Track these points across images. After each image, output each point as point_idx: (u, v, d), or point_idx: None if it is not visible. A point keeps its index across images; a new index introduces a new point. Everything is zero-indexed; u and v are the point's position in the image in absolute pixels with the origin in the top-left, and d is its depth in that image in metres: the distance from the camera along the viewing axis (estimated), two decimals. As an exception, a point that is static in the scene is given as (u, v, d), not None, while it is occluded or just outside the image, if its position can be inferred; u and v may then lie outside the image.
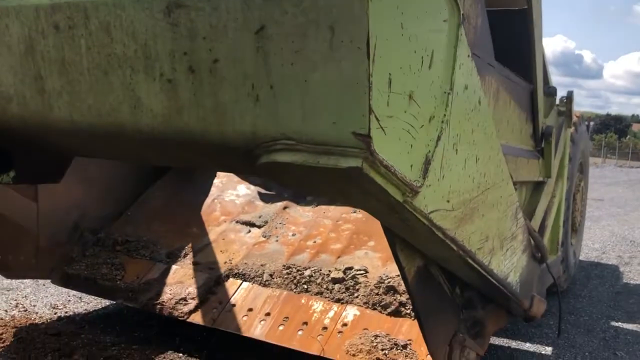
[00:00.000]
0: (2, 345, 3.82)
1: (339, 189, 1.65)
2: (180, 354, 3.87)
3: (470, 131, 2.09)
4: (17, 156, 2.38)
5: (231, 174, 5.13)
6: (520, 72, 3.75)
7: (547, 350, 4.42)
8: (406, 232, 2.08)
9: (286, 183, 1.77)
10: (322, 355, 3.39)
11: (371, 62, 1.34)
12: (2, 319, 4.32)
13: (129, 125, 1.76)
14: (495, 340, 4.46)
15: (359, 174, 1.46)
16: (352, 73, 1.36)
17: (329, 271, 3.92)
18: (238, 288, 3.97)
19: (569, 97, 4.92)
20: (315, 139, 1.46)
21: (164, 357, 3.80)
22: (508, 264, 2.84)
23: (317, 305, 3.72)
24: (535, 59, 3.81)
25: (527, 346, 4.46)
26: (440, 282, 2.73)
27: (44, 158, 2.47)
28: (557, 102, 4.88)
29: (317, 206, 4.68)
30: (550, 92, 4.39)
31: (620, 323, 5.19)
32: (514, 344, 4.49)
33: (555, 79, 4.95)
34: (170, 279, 4.15)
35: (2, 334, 3.96)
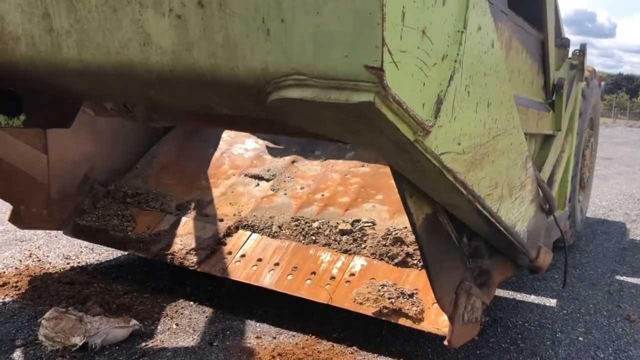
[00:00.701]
0: (17, 292, 3.91)
1: (350, 127, 1.64)
2: (191, 302, 3.95)
3: (482, 74, 2.06)
4: (27, 100, 2.38)
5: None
6: (533, 22, 3.67)
7: (552, 302, 4.48)
8: (416, 175, 2.08)
9: (296, 123, 1.76)
10: (329, 303, 3.46)
11: (385, -9, 1.32)
12: (17, 268, 4.41)
13: (138, 63, 1.75)
14: (501, 293, 4.52)
15: (370, 109, 1.45)
16: (365, 3, 1.34)
17: (337, 223, 3.96)
18: (247, 239, 4.02)
19: (582, 50, 4.82)
20: (326, 73, 1.45)
21: (175, 305, 3.88)
22: (516, 213, 2.85)
23: (325, 255, 3.77)
24: (547, 6, 3.72)
25: (532, 298, 4.52)
26: (448, 230, 2.74)
27: (54, 102, 2.47)
28: (570, 55, 4.79)
29: (325, 160, 4.69)
30: (563, 43, 4.30)
31: (625, 277, 5.23)
32: (519, 296, 4.55)
33: (567, 37, 4.81)
34: (180, 230, 4.21)
35: (17, 282, 4.05)
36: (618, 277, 5.21)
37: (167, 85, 1.81)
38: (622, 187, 10.37)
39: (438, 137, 1.78)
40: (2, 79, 2.24)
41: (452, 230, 2.75)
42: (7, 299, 3.80)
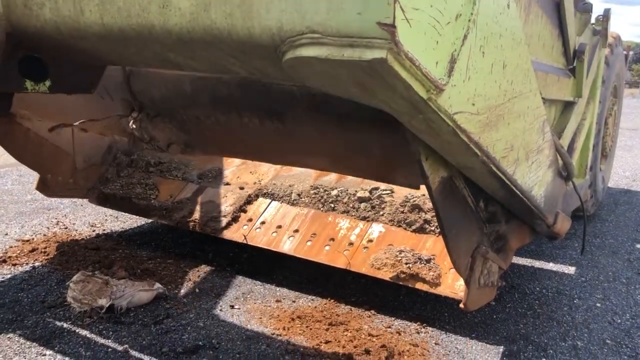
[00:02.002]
0: (46, 257, 4.06)
1: (364, 86, 1.67)
2: (213, 268, 4.06)
3: (498, 35, 2.05)
4: (52, 66, 2.46)
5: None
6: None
7: (570, 269, 4.49)
8: (431, 136, 2.10)
9: (311, 83, 1.80)
10: (348, 268, 3.53)
11: (396, -52, 1.33)
12: (45, 235, 4.56)
13: (158, 25, 1.79)
14: (519, 260, 4.55)
15: (383, 66, 1.47)
16: (376, -41, 1.36)
17: (356, 191, 4.00)
18: (267, 207, 4.09)
19: (606, 16, 4.73)
20: (340, 31, 1.47)
21: (198, 270, 3.99)
22: (533, 177, 2.86)
23: (344, 222, 3.82)
24: None
25: (551, 266, 4.54)
26: (465, 194, 2.75)
27: (78, 68, 2.54)
28: (593, 20, 4.70)
29: (343, 129, 4.71)
30: (585, 8, 4.22)
31: (646, 246, 5.20)
32: (537, 263, 4.57)
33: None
34: (202, 198, 4.30)
35: (45, 248, 4.20)
36: (639, 246, 5.18)
37: (185, 47, 1.86)
38: (647, 158, 10.19)
39: (452, 97, 1.80)
40: (28, 45, 2.31)
41: (468, 195, 2.77)
42: (37, 264, 3.95)
